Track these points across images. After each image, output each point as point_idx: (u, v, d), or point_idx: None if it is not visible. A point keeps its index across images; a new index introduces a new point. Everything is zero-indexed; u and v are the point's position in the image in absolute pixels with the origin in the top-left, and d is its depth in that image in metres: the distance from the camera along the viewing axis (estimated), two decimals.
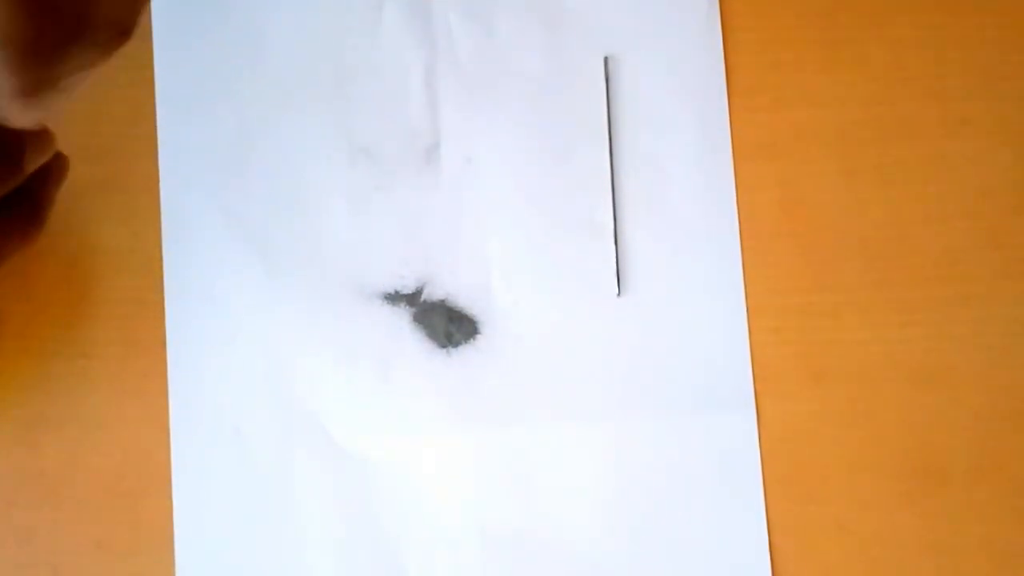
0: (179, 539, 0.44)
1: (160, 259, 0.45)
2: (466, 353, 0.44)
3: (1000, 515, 0.42)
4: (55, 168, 0.39)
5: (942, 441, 0.42)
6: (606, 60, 0.44)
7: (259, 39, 0.45)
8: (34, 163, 0.35)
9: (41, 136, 0.35)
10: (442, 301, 0.44)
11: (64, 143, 0.37)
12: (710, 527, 0.43)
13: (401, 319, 0.44)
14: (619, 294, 0.44)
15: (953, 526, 0.42)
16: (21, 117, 0.31)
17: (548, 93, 0.45)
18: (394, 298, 0.45)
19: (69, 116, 0.45)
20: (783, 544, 0.42)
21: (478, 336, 0.44)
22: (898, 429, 0.42)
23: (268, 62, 0.45)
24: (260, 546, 0.44)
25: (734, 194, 0.43)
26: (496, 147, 0.45)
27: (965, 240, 0.42)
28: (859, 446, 0.42)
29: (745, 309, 0.43)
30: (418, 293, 0.44)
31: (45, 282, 0.45)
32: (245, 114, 0.45)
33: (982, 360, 0.42)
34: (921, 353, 0.42)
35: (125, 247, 0.45)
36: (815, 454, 0.43)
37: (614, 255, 0.44)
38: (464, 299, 0.44)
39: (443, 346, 0.44)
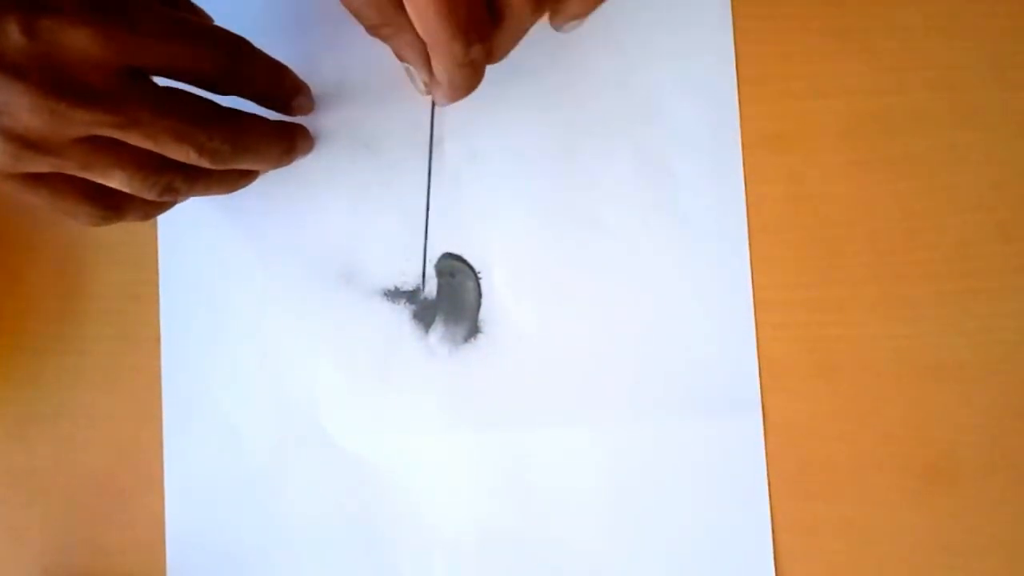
0: (171, 538, 0.44)
1: (154, 253, 0.45)
2: (466, 352, 0.43)
3: (1011, 514, 0.41)
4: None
5: (952, 438, 0.42)
6: (613, 52, 0.44)
7: (258, 30, 0.44)
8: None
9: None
10: (442, 299, 0.44)
11: None
12: (712, 528, 0.42)
13: (401, 316, 0.44)
14: (623, 292, 0.43)
15: (963, 525, 0.41)
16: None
17: (554, 87, 0.44)
18: (394, 295, 0.44)
19: None
20: (789, 542, 0.42)
21: (479, 335, 0.43)
22: (907, 426, 0.42)
23: (267, 53, 0.45)
24: (253, 546, 0.44)
25: (743, 187, 0.43)
26: (500, 142, 0.44)
27: (976, 233, 0.42)
28: (867, 443, 0.42)
29: (752, 305, 0.42)
30: (418, 291, 0.44)
31: (37, 276, 0.45)
32: (241, 106, 0.44)
33: (993, 356, 0.42)
34: (931, 349, 0.42)
35: (118, 240, 0.45)
36: (822, 451, 0.42)
37: (619, 252, 0.43)
38: (465, 297, 0.44)
39: (443, 345, 0.44)
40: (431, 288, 0.44)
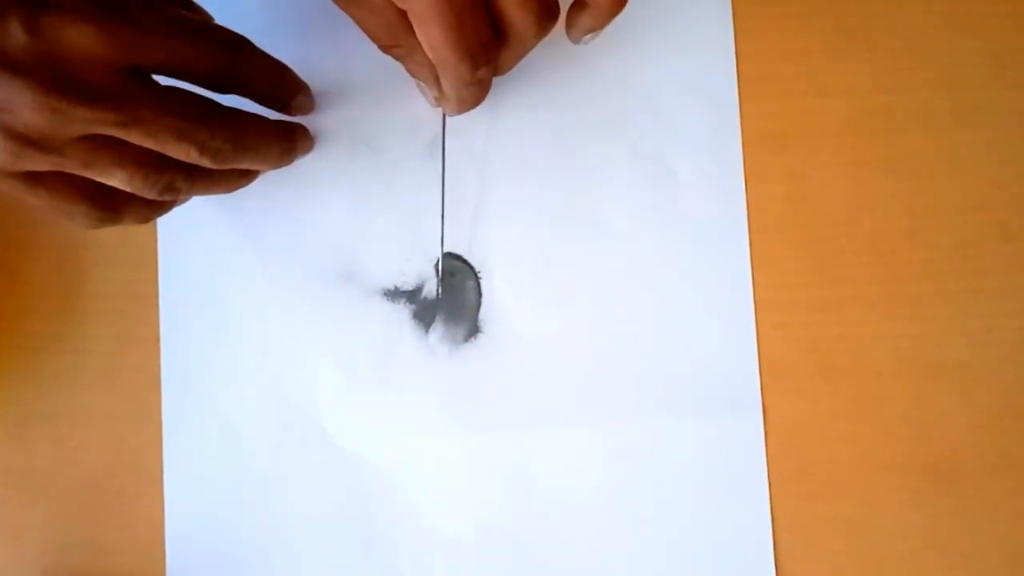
0: (170, 538, 0.44)
1: (154, 253, 0.45)
2: (467, 352, 0.43)
3: (1012, 514, 0.41)
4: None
5: (953, 438, 0.42)
6: (613, 51, 0.44)
7: (258, 30, 0.44)
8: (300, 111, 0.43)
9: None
10: (443, 298, 0.44)
11: None
12: (713, 527, 0.42)
13: (401, 316, 0.44)
14: (623, 292, 0.43)
15: (963, 525, 0.41)
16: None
17: (554, 86, 0.44)
18: (394, 295, 0.44)
19: None
20: (789, 542, 0.42)
21: (479, 335, 0.43)
22: (907, 426, 0.42)
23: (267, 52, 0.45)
24: (253, 545, 0.43)
25: (743, 187, 0.43)
26: (500, 142, 0.44)
27: (976, 233, 0.42)
28: (868, 443, 0.42)
29: (752, 305, 0.42)
30: (418, 290, 0.44)
31: (36, 275, 0.45)
32: (242, 105, 0.44)
33: (993, 355, 0.42)
34: (931, 348, 0.42)
35: (118, 240, 0.45)
36: (823, 451, 0.42)
37: (619, 251, 0.43)
38: (465, 296, 0.43)
39: (443, 345, 0.43)
40: (431, 288, 0.44)
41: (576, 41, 0.37)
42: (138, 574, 0.44)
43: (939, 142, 0.42)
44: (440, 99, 0.40)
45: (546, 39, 0.36)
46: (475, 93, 0.38)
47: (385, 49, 0.37)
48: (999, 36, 0.42)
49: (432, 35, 0.33)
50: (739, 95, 0.43)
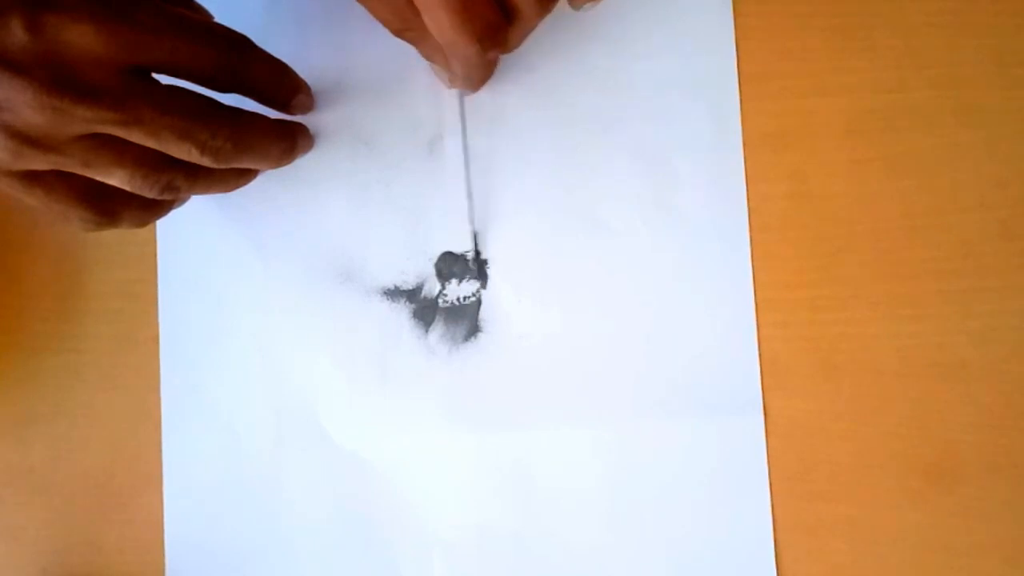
0: (169, 538, 0.44)
1: (154, 252, 0.45)
2: (467, 352, 0.43)
3: (1015, 515, 0.41)
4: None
5: (955, 437, 0.41)
6: (614, 50, 0.44)
7: (258, 29, 0.44)
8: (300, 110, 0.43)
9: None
10: (443, 298, 0.44)
11: None
12: (714, 527, 0.42)
13: (400, 315, 0.44)
14: (624, 291, 0.43)
15: (966, 525, 0.41)
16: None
17: (554, 85, 0.44)
18: (394, 294, 0.44)
19: None
20: (791, 542, 0.42)
21: (479, 334, 0.43)
22: (909, 425, 0.42)
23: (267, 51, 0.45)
24: (252, 545, 0.44)
25: (744, 186, 0.43)
26: (500, 141, 0.44)
27: (978, 232, 0.42)
28: (869, 443, 0.42)
29: (753, 304, 0.42)
30: (418, 289, 0.44)
31: (35, 275, 0.45)
32: (242, 104, 0.44)
33: (996, 354, 0.41)
34: (933, 348, 0.42)
35: (117, 239, 0.45)
36: (824, 451, 0.42)
37: (620, 251, 0.43)
38: (465, 296, 0.43)
39: (443, 344, 0.43)
40: (431, 287, 0.44)
41: (577, 8, 0.38)
42: (137, 574, 0.44)
43: (940, 140, 0.42)
44: (454, 80, 0.40)
45: (545, 36, 0.36)
46: (486, 73, 0.40)
47: (397, 33, 0.37)
48: (1000, 34, 0.42)
49: (438, 20, 0.34)
50: (740, 94, 0.43)
